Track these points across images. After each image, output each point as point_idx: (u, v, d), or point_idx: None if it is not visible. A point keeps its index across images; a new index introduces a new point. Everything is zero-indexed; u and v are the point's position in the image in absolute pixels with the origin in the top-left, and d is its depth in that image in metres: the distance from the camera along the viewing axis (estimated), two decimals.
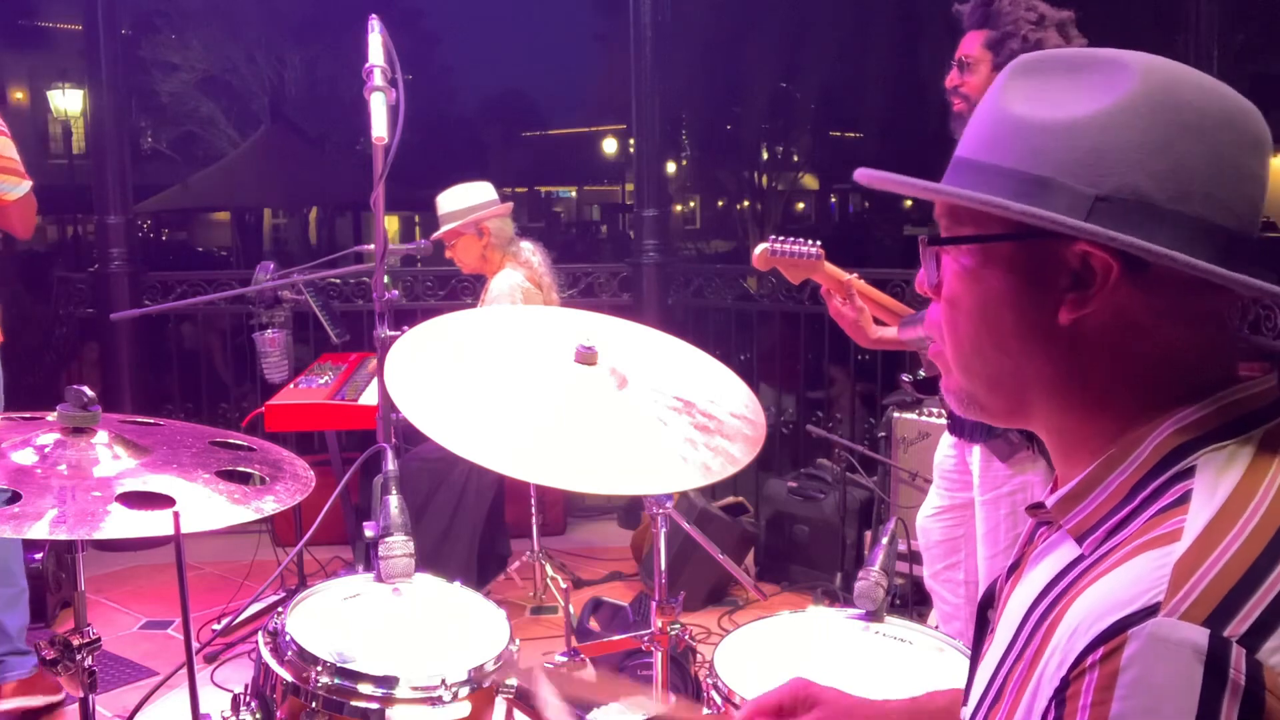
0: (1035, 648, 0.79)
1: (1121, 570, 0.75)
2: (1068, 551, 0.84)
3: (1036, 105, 0.84)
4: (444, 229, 3.95)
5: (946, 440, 2.68)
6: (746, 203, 20.17)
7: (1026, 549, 0.95)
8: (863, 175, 0.93)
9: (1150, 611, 0.71)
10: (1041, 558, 0.89)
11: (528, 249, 4.00)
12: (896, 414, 3.99)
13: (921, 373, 2.38)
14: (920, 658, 1.80)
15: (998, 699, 0.84)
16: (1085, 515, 0.83)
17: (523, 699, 1.68)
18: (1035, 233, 0.82)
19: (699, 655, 3.03)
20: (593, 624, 3.17)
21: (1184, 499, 0.77)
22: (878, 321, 2.54)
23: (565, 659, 1.92)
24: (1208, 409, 0.81)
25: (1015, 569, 0.95)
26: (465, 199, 3.96)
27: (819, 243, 2.45)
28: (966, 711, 0.93)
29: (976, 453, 2.46)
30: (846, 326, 2.52)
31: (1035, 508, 0.92)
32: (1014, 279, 0.85)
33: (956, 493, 2.64)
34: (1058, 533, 0.88)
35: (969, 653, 1.76)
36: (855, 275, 2.52)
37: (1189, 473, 0.79)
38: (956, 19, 2.49)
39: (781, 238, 2.45)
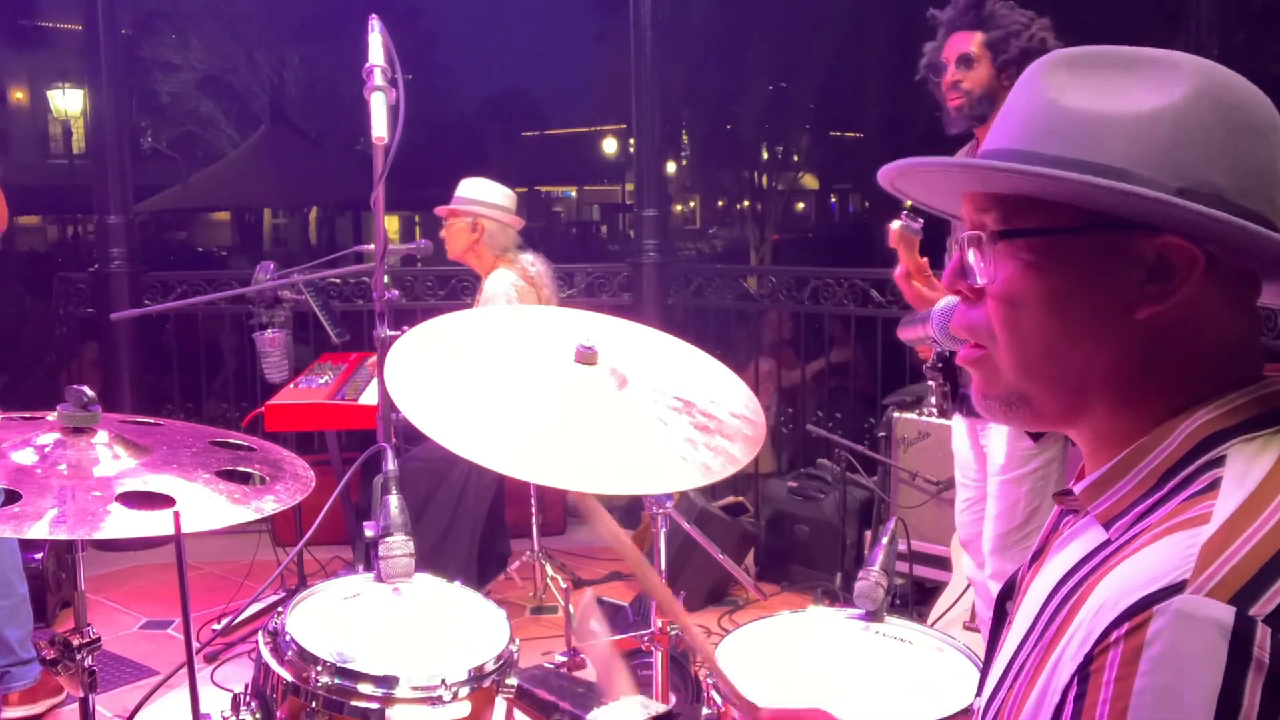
0: (1057, 627, 0.80)
1: (1149, 551, 0.76)
2: (1094, 536, 0.85)
3: (1095, 98, 0.83)
4: (448, 206, 4.00)
5: (959, 430, 2.70)
6: (746, 203, 20.16)
7: (1050, 537, 0.95)
8: (933, 163, 0.89)
9: (1176, 589, 0.71)
10: (1066, 544, 0.89)
11: (528, 260, 4.01)
12: (896, 414, 3.99)
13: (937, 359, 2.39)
14: (920, 658, 1.80)
15: (1015, 680, 0.84)
16: (1114, 501, 0.84)
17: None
18: (1113, 225, 0.81)
19: (699, 655, 3.03)
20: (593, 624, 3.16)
21: (1214, 485, 0.78)
22: None
23: (565, 659, 1.92)
24: (1239, 401, 0.82)
25: (1037, 557, 0.95)
26: (477, 191, 4.00)
27: (922, 220, 2.36)
28: (981, 700, 0.93)
29: (1001, 432, 2.49)
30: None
31: (1062, 495, 0.92)
32: (1087, 273, 0.83)
33: (979, 482, 2.66)
34: (1084, 519, 0.88)
35: (969, 653, 1.77)
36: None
37: (1219, 461, 0.79)
38: (932, 23, 2.59)
39: (907, 213, 2.34)
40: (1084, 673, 0.74)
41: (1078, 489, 0.88)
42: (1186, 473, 0.80)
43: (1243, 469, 0.78)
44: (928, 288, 2.48)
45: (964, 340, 0.93)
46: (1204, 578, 0.71)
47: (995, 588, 2.59)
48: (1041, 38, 2.44)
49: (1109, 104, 0.82)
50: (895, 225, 2.42)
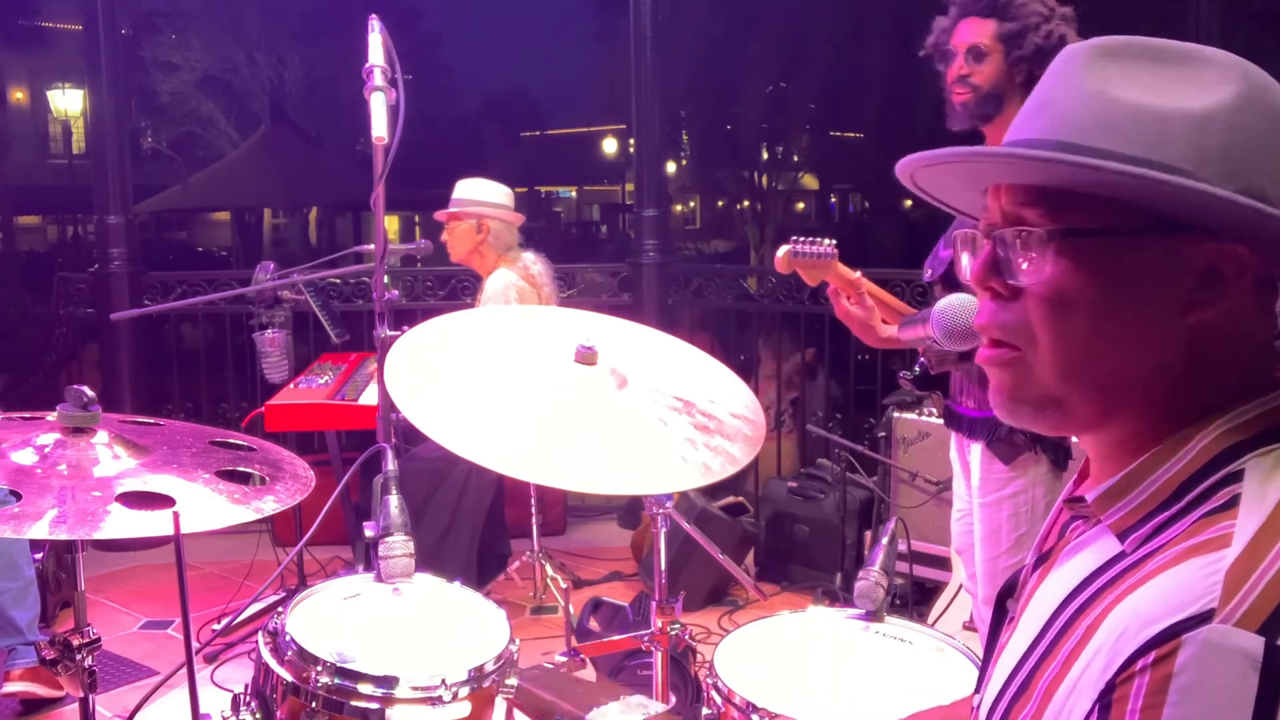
0: (1072, 645, 0.79)
1: (1171, 574, 0.74)
2: (1107, 547, 0.83)
3: (1147, 93, 0.80)
4: (448, 210, 4.00)
5: (952, 442, 2.65)
6: (746, 203, 20.17)
7: (1058, 543, 0.93)
8: (963, 152, 0.84)
9: (1204, 618, 0.70)
10: (1076, 552, 0.87)
11: (529, 259, 4.02)
12: (896, 414, 3.99)
13: (917, 368, 2.37)
14: (920, 658, 1.80)
15: (1023, 692, 0.83)
16: (1128, 511, 0.82)
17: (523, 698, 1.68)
18: (1173, 228, 0.79)
19: (699, 655, 3.03)
20: (593, 624, 3.17)
21: (1233, 503, 0.76)
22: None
23: (565, 659, 1.92)
24: (1255, 411, 0.81)
25: (1043, 561, 0.94)
26: (478, 191, 4.00)
27: (834, 242, 2.38)
28: (984, 699, 0.92)
29: (976, 452, 2.44)
30: (855, 327, 2.46)
31: (1074, 501, 0.91)
32: (1142, 277, 0.81)
33: (969, 498, 2.59)
34: (1096, 528, 0.86)
35: (969, 653, 1.77)
36: (860, 274, 2.48)
37: (1237, 476, 0.78)
38: (944, 5, 2.43)
39: (801, 239, 2.39)
40: (1106, 700, 0.73)
41: (1090, 496, 0.86)
42: (1204, 487, 0.79)
43: (1261, 485, 0.77)
44: (857, 304, 2.44)
45: (996, 339, 0.88)
46: (1231, 606, 0.70)
47: (986, 612, 2.52)
48: (1061, 34, 2.27)
49: (1163, 100, 0.80)
50: (781, 252, 2.40)
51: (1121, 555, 0.81)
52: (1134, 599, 0.75)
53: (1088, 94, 0.82)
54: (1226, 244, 0.79)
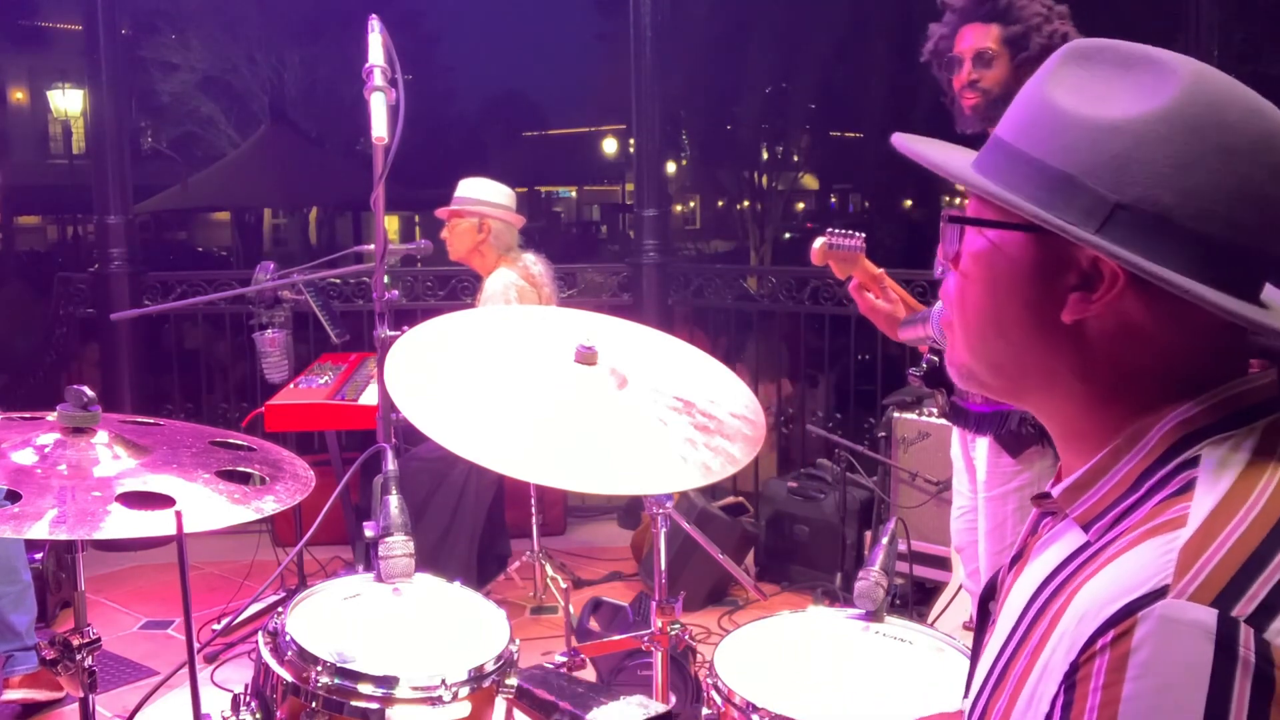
0: (1040, 634, 0.80)
1: (1128, 557, 0.76)
2: (1073, 539, 0.85)
3: (1078, 98, 0.83)
4: (450, 207, 4.00)
5: (954, 438, 2.66)
6: (746, 203, 20.17)
7: (1030, 539, 0.96)
8: (900, 141, 0.95)
9: (1159, 594, 0.72)
10: (1045, 547, 0.90)
11: (529, 259, 4.02)
12: (896, 414, 3.99)
13: (924, 365, 2.37)
14: (920, 658, 1.80)
15: (998, 685, 0.85)
16: (1092, 504, 0.85)
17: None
18: (1052, 229, 0.82)
19: (699, 655, 3.03)
20: (593, 624, 3.17)
21: (1188, 487, 0.78)
22: None
23: (565, 659, 1.92)
24: (1210, 401, 0.82)
25: (1018, 560, 0.96)
26: (481, 191, 4.01)
27: (863, 235, 2.40)
28: (967, 702, 0.94)
29: (982, 446, 2.44)
30: (880, 322, 2.46)
31: (1041, 498, 0.93)
32: (1025, 269, 0.86)
33: (971, 494, 2.61)
34: (1063, 522, 0.89)
35: (969, 653, 1.77)
36: (883, 271, 2.47)
37: (1193, 462, 0.80)
38: (940, 6, 2.43)
39: (835, 231, 2.40)
40: (1070, 681, 0.74)
41: (1055, 491, 0.89)
42: (1162, 474, 0.81)
43: (1216, 469, 0.79)
44: (881, 298, 2.45)
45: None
46: (1185, 582, 0.72)
47: None
48: (1064, 33, 2.30)
49: (1087, 107, 0.83)
50: (818, 244, 2.42)
51: (1086, 545, 0.83)
52: (1094, 583, 0.77)
53: (1036, 95, 0.87)
54: (1094, 250, 0.81)
